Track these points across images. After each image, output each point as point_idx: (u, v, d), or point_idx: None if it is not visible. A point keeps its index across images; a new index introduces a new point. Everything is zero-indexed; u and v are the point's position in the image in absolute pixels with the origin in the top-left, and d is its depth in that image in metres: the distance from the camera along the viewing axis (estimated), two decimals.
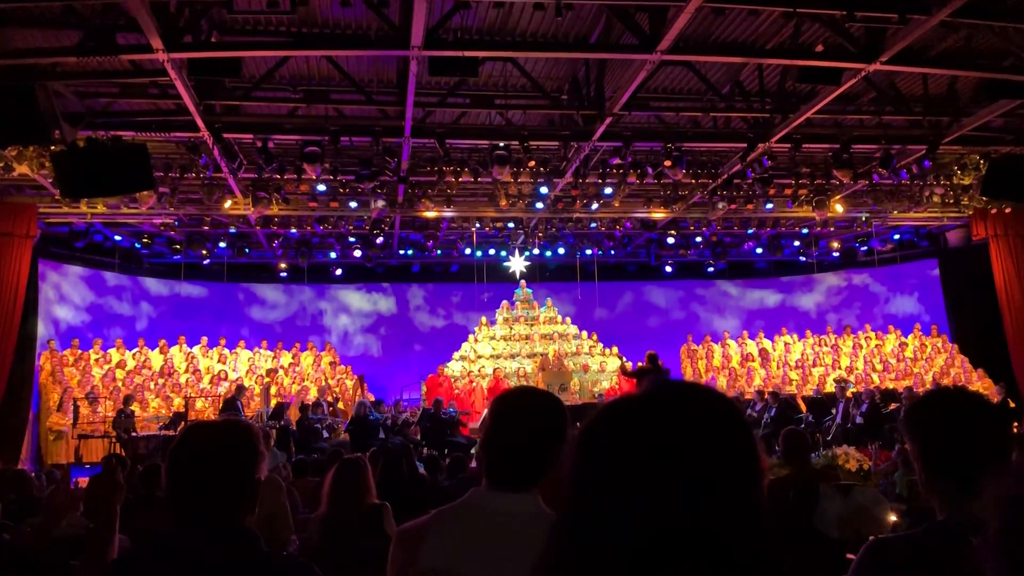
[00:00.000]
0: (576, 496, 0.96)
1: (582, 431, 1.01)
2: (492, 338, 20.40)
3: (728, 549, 0.89)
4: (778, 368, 20.22)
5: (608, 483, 0.91)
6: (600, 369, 19.60)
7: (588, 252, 20.21)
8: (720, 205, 15.80)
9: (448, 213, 16.31)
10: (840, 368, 19.94)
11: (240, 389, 16.28)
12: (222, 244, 18.16)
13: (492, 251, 19.99)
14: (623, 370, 16.84)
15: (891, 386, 17.86)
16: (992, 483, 1.09)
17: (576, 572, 0.92)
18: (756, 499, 0.94)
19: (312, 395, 17.55)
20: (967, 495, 1.78)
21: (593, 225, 18.16)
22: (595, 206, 16.05)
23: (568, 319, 21.15)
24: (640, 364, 14.67)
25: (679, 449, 0.91)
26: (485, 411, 13.97)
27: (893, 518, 5.69)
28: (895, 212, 16.87)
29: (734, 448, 0.94)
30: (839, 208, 16.34)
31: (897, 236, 20.11)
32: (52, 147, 11.21)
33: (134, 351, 18.63)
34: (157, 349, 18.98)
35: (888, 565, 1.79)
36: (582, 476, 0.96)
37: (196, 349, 19.42)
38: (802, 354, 20.72)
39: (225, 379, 18.29)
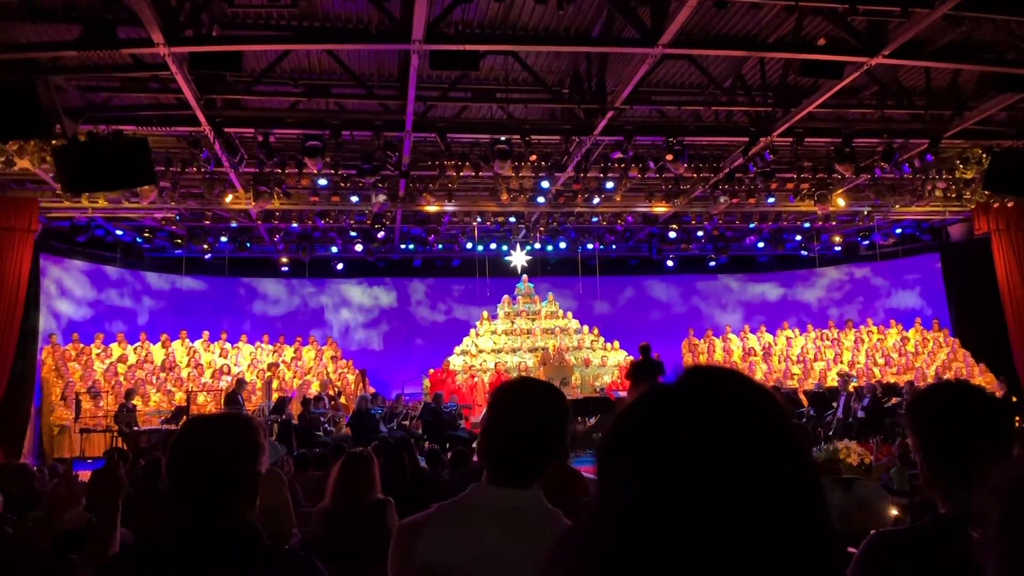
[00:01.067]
0: (614, 496, 0.88)
1: (615, 427, 0.93)
2: (493, 332, 20.42)
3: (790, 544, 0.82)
4: (779, 362, 20.22)
5: (651, 479, 0.84)
6: (601, 363, 19.62)
7: (589, 246, 20.19)
8: (722, 199, 15.78)
9: (449, 207, 16.30)
10: (842, 362, 19.94)
11: (241, 383, 16.30)
12: (223, 238, 18.17)
13: (493, 245, 19.98)
14: (626, 373, 16.86)
15: (892, 380, 17.87)
16: (992, 474, 1.08)
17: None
18: (811, 484, 0.87)
19: (314, 389, 17.57)
20: (969, 489, 1.78)
21: (594, 219, 18.14)
22: (596, 200, 16.04)
23: (569, 313, 21.16)
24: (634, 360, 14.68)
25: (728, 437, 0.85)
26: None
27: (894, 512, 5.70)
28: (897, 206, 16.85)
29: (782, 433, 0.88)
30: (841, 202, 16.33)
31: (899, 230, 20.09)
32: (53, 141, 11.20)
33: (136, 345, 18.66)
34: (159, 343, 19.02)
35: (890, 558, 1.79)
36: (621, 477, 0.88)
37: (198, 343, 19.46)
38: (803, 348, 20.72)
39: (227, 373, 18.32)
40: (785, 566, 0.81)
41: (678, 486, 0.82)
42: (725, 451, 0.83)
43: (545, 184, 14.59)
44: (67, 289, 18.27)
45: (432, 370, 19.07)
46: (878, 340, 20.76)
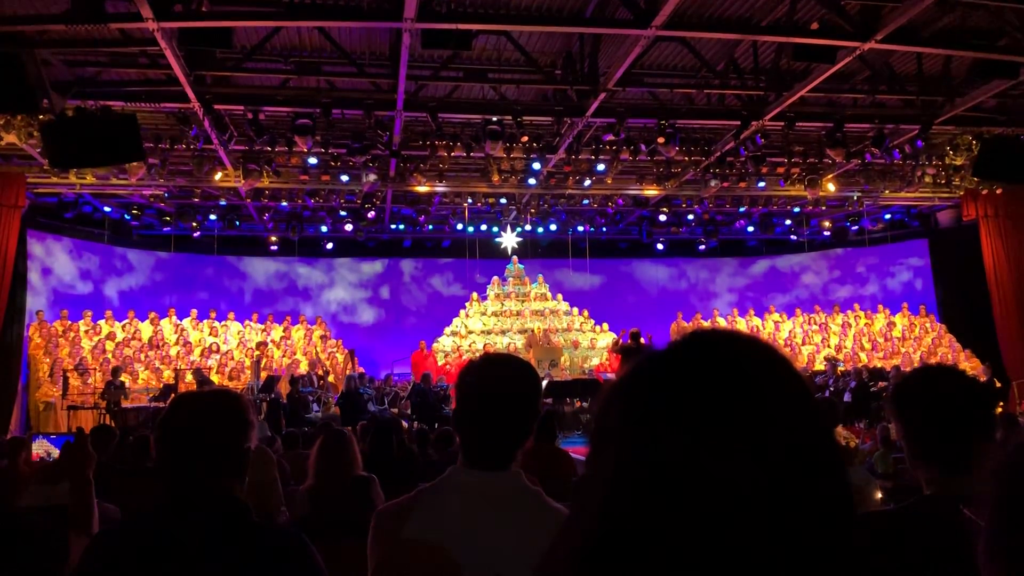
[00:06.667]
0: (610, 485, 0.79)
1: (609, 397, 0.84)
2: (483, 314, 20.43)
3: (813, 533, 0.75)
4: None
5: (649, 451, 0.76)
6: (591, 346, 19.67)
7: (580, 229, 20.21)
8: (712, 183, 15.79)
9: (440, 188, 16.25)
10: (829, 347, 20.06)
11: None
12: (212, 216, 18.09)
13: (484, 227, 19.96)
14: (613, 347, 16.93)
15: (879, 365, 17.99)
16: (987, 456, 1.09)
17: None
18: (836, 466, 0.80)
19: (303, 369, 17.56)
20: (953, 472, 1.80)
21: (585, 202, 18.13)
22: (588, 182, 16.01)
23: (560, 295, 21.18)
24: (625, 343, 14.76)
25: (737, 399, 0.77)
26: None
27: (879, 495, 5.76)
28: (887, 192, 16.89)
29: (796, 395, 0.80)
30: (831, 187, 16.37)
31: (888, 216, 20.16)
32: (40, 116, 11.09)
33: (124, 322, 18.59)
34: (147, 321, 18.94)
35: (876, 539, 1.81)
36: (619, 449, 0.79)
37: (186, 321, 19.40)
38: (791, 332, 20.82)
39: (215, 351, 18.28)
40: (801, 543, 0.75)
41: (679, 457, 0.75)
42: (733, 415, 0.76)
43: (536, 166, 14.56)
44: (55, 266, 18.15)
45: (414, 352, 19.02)
46: (865, 325, 20.88)
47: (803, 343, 20.30)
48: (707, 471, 0.74)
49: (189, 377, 16.81)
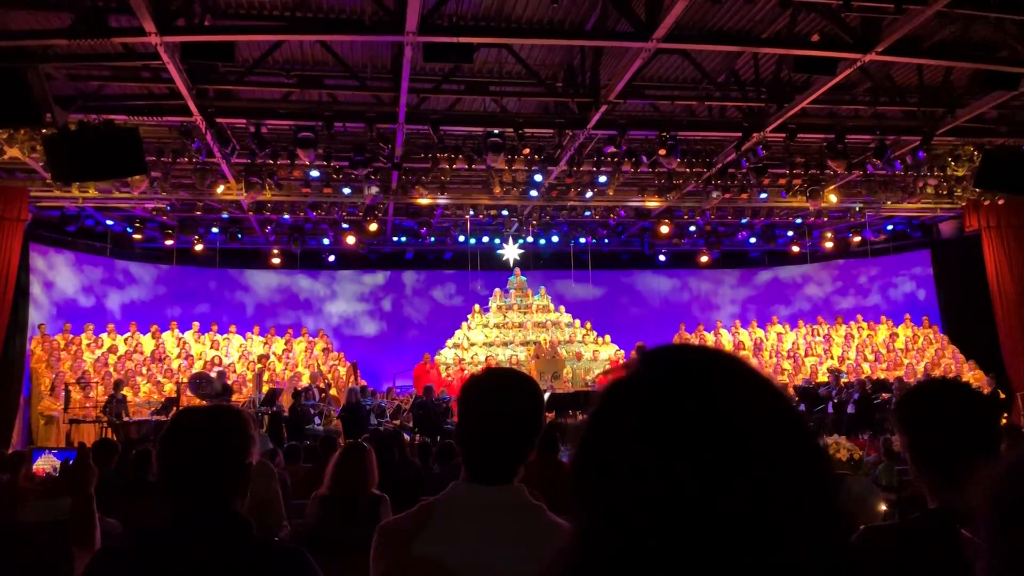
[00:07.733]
0: (595, 496, 0.80)
1: (590, 420, 0.85)
2: (485, 325, 20.40)
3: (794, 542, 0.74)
4: (770, 357, 20.27)
5: (633, 472, 0.76)
6: (593, 357, 19.62)
7: (582, 240, 20.20)
8: (714, 194, 15.80)
9: (442, 200, 16.27)
10: (832, 358, 20.02)
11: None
12: (215, 229, 18.11)
13: (486, 239, 19.97)
14: (604, 372, 16.93)
15: (882, 376, 17.93)
16: (983, 471, 1.07)
17: None
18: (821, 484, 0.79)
19: (304, 381, 17.53)
20: (957, 485, 1.79)
21: (587, 213, 18.14)
22: (589, 194, 16.02)
23: (562, 307, 21.17)
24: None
25: (711, 422, 0.76)
26: None
27: (883, 507, 5.74)
28: (888, 203, 16.89)
29: (779, 414, 0.80)
30: (833, 198, 16.36)
31: (890, 227, 20.16)
32: (43, 130, 11.13)
33: (126, 336, 18.59)
34: (149, 334, 18.94)
35: (878, 553, 1.80)
36: (598, 471, 0.80)
37: (188, 334, 19.40)
38: (794, 344, 20.78)
39: (218, 364, 18.26)
40: (796, 555, 0.74)
41: (660, 476, 0.74)
42: (708, 430, 0.75)
43: (538, 177, 14.58)
44: (57, 279, 18.17)
45: (416, 364, 18.98)
46: (868, 336, 20.83)
47: (806, 354, 20.25)
48: (697, 487, 0.74)
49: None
